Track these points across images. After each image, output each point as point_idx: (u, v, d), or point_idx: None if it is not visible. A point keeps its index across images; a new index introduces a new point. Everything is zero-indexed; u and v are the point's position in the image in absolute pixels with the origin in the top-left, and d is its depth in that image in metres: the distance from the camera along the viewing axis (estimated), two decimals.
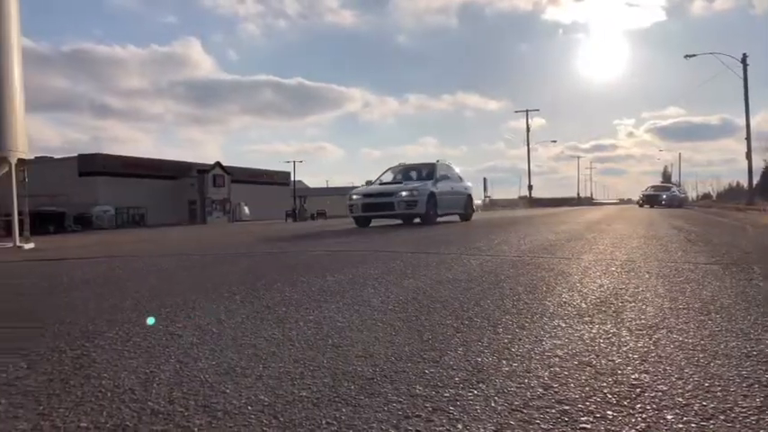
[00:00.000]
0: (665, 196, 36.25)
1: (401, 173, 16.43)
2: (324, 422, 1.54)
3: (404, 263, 5.14)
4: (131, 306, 3.36)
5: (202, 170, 44.79)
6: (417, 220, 14.98)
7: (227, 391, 1.80)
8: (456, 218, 16.61)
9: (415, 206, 14.16)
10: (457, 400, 1.69)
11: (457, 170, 17.27)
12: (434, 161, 16.38)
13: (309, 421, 1.55)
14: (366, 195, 15.09)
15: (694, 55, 32.58)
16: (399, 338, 2.41)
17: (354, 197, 15.16)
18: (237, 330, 2.63)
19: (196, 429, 1.51)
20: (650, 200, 36.37)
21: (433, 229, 11.57)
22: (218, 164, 46.06)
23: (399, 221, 15.41)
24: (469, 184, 17.78)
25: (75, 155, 40.05)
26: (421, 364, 2.04)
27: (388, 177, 16.47)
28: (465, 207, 16.74)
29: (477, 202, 67.32)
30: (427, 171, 15.78)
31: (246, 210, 47.28)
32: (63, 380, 1.95)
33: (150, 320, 2.85)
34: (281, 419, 1.57)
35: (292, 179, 58.81)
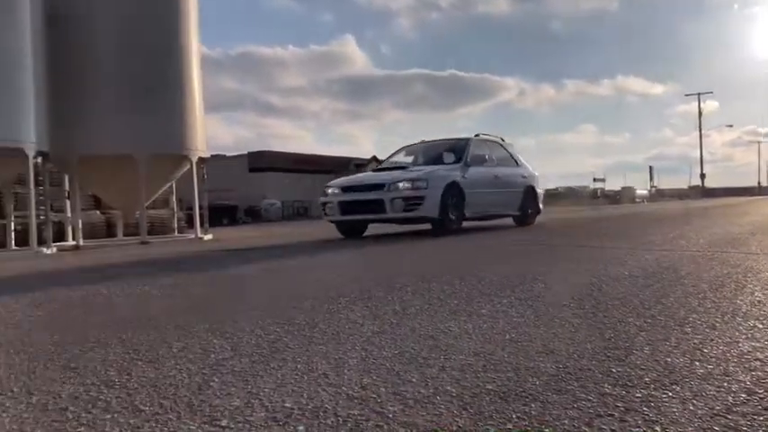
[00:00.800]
0: None
1: (422, 153, 11.30)
2: (514, 416, 1.55)
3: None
4: (312, 294, 3.56)
5: (360, 164, 46.17)
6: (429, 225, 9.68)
7: (414, 380, 1.87)
8: (508, 220, 11.53)
9: (418, 205, 8.99)
10: (650, 402, 1.62)
11: (509, 150, 11.87)
12: (470, 136, 11.12)
13: (499, 414, 1.57)
14: (346, 189, 9.80)
15: None
16: (579, 336, 2.36)
17: (330, 191, 9.99)
18: (415, 321, 2.70)
19: (391, 415, 1.58)
20: None
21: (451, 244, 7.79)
22: (374, 158, 47.23)
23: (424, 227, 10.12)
24: (531, 170, 12.17)
25: (246, 152, 42.88)
26: (606, 362, 1.99)
27: (405, 159, 11.58)
28: (521, 205, 11.27)
29: (642, 192, 63.72)
30: (457, 150, 10.42)
31: None
32: (264, 362, 2.11)
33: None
34: (471, 411, 1.60)
35: None
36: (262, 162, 41.45)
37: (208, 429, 1.52)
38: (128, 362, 2.19)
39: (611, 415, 1.55)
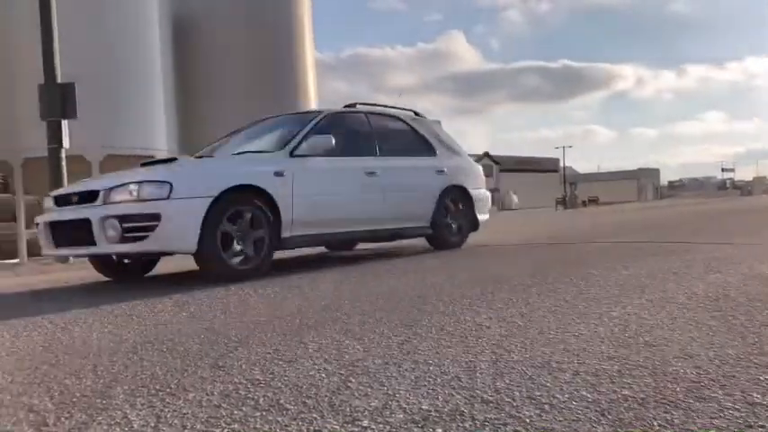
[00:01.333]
0: None
1: (248, 138, 6.83)
2: (656, 423, 1.53)
3: None
4: (434, 295, 3.61)
5: None
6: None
7: (548, 384, 1.87)
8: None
9: (149, 230, 4.70)
10: None
11: (423, 130, 7.51)
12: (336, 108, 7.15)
13: (640, 421, 1.55)
14: (60, 201, 5.59)
15: None
16: (718, 339, 2.27)
17: (45, 205, 5.97)
18: (542, 324, 2.69)
19: (528, 420, 1.59)
20: None
21: None
22: (485, 154, 46.96)
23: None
24: (463, 161, 7.93)
25: None
26: (752, 369, 1.90)
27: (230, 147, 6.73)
28: (434, 216, 7.03)
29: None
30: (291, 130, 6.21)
31: (515, 198, 47.48)
32: (396, 363, 2.18)
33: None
34: (610, 417, 1.58)
35: (561, 165, 57.57)
36: None
37: (350, 429, 1.60)
38: (269, 361, 2.32)
39: (763, 426, 1.48)
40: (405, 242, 7.65)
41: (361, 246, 8.12)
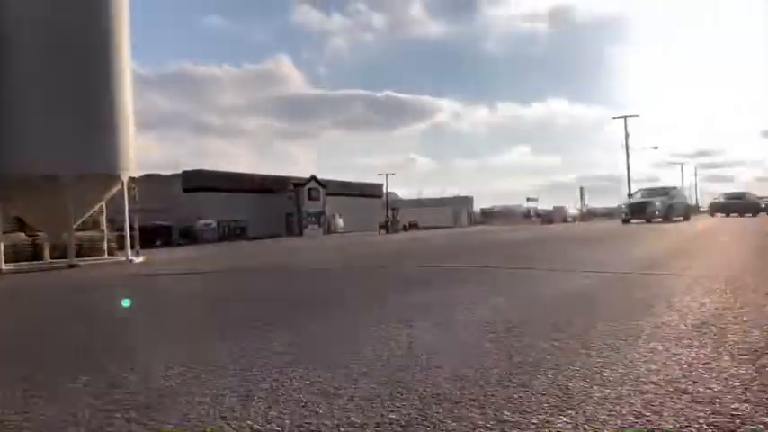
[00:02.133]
0: (658, 204, 26.45)
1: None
2: None
3: None
4: (230, 323, 3.52)
5: (298, 184, 46.01)
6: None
7: (320, 411, 1.88)
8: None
9: None
10: (545, 428, 1.68)
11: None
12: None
13: None
14: None
15: None
16: (487, 361, 2.42)
17: None
18: (331, 349, 2.71)
19: None
20: (637, 210, 27.41)
21: None
22: (313, 177, 47.16)
23: None
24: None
25: (180, 171, 42.12)
26: (510, 388, 2.05)
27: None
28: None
29: (573, 211, 65.73)
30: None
31: (341, 222, 48.14)
32: (170, 395, 2.08)
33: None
34: None
35: (384, 191, 59.43)
36: (197, 181, 40.78)
37: None
38: None
39: None
40: None
41: None
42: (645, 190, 29.21)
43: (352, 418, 1.79)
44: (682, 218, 26.29)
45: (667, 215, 25.36)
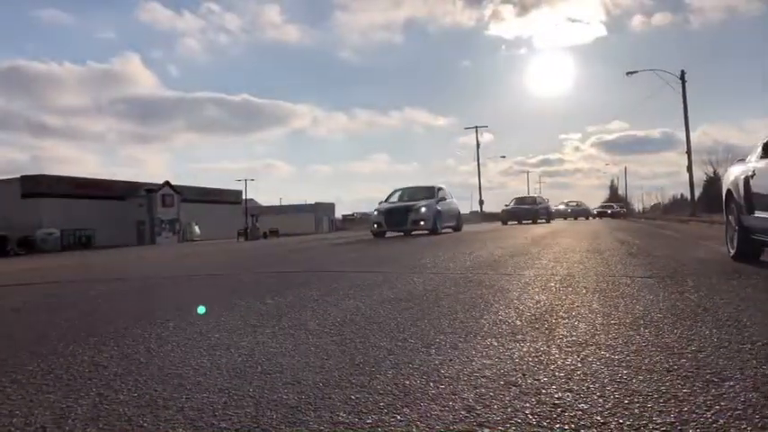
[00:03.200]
0: (424, 211, 21.72)
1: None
2: None
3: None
4: (57, 336, 3.24)
5: (151, 189, 43.94)
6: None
7: (146, 424, 1.75)
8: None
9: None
10: (379, 426, 1.67)
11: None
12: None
13: None
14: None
15: (635, 72, 33.36)
16: (330, 363, 2.39)
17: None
18: (165, 360, 2.56)
19: None
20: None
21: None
22: (167, 183, 45.26)
23: None
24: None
25: (18, 176, 38.86)
26: (348, 389, 2.02)
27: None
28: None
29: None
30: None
31: (197, 229, 46.51)
32: None
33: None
34: None
35: (244, 197, 58.26)
36: (37, 187, 37.76)
37: None
38: None
39: None
40: None
41: None
42: (405, 190, 20.95)
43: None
44: (452, 228, 19.98)
45: (435, 225, 17.85)
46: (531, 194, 40.25)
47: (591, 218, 48.19)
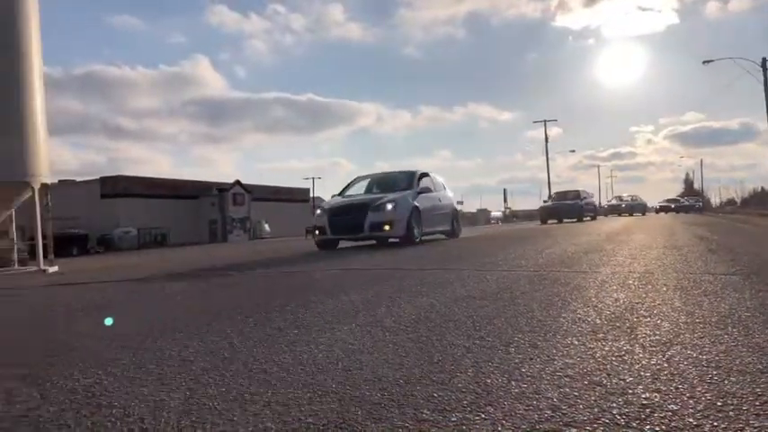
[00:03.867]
0: (390, 208, 12.48)
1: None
2: None
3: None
4: (144, 331, 3.38)
5: (222, 189, 45.13)
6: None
7: (235, 418, 1.81)
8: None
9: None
10: (463, 425, 1.67)
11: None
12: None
13: None
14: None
15: (712, 60, 32.17)
16: (409, 360, 2.41)
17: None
18: (249, 355, 2.64)
19: None
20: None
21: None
22: (237, 182, 46.37)
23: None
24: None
25: (97, 177, 40.58)
26: (430, 386, 2.03)
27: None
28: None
29: (497, 213, 67.29)
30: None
31: (267, 227, 47.52)
32: (74, 409, 1.96)
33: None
34: None
35: (311, 195, 59.14)
36: (115, 187, 39.39)
37: None
38: None
39: None
40: None
41: None
42: (371, 178, 14.60)
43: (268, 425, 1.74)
44: (445, 233, 14.45)
45: (409, 231, 11.75)
46: (575, 188, 33.35)
47: (648, 214, 42.96)
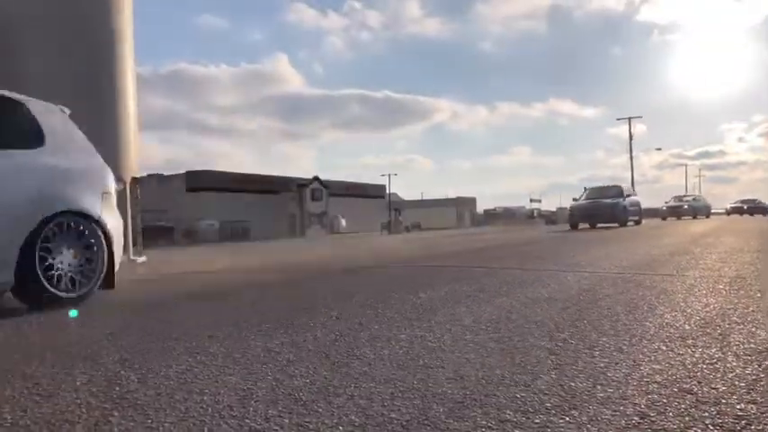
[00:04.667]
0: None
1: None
2: None
3: None
4: (231, 321, 3.50)
5: (302, 184, 46.07)
6: None
7: (320, 410, 1.85)
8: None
9: None
10: (548, 427, 1.66)
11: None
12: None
13: None
14: None
15: None
16: (491, 360, 2.40)
17: None
18: (331, 348, 2.69)
19: None
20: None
21: None
22: (316, 178, 47.21)
23: None
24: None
25: (184, 171, 42.17)
26: (512, 387, 2.02)
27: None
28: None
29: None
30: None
31: (343, 222, 48.20)
32: (168, 394, 2.06)
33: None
34: None
35: (387, 191, 59.50)
36: (200, 181, 40.85)
37: None
38: None
39: None
40: None
41: None
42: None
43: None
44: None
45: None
46: (614, 183, 26.13)
47: (711, 216, 37.18)
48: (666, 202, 38.95)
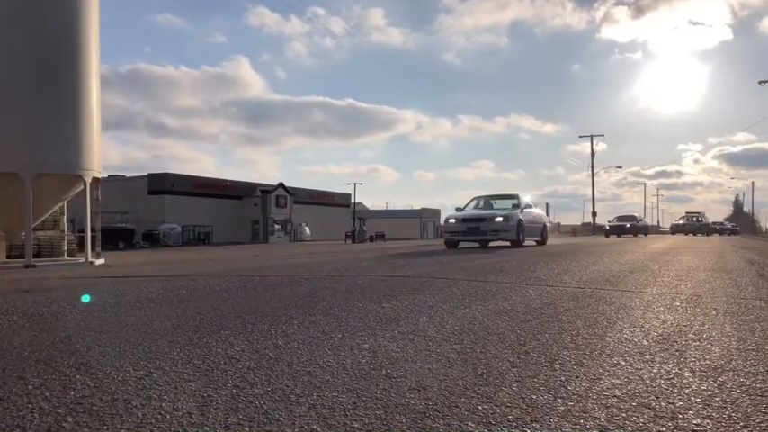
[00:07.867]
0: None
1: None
2: None
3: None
4: (191, 327, 3.44)
5: (265, 190, 45.69)
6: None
7: (281, 418, 1.83)
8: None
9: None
10: None
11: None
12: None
13: None
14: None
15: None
16: (453, 371, 2.40)
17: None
18: (293, 356, 2.66)
19: None
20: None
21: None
22: (280, 185, 46.89)
23: None
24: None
25: (145, 174, 41.49)
26: (474, 399, 2.02)
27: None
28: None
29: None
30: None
31: (307, 230, 47.94)
32: (126, 400, 2.01)
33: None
34: None
35: (352, 201, 59.44)
36: (162, 184, 40.22)
37: None
38: None
39: None
40: None
41: None
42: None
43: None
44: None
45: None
46: (509, 192, 20.39)
47: (650, 234, 37.88)
48: (609, 222, 41.28)
